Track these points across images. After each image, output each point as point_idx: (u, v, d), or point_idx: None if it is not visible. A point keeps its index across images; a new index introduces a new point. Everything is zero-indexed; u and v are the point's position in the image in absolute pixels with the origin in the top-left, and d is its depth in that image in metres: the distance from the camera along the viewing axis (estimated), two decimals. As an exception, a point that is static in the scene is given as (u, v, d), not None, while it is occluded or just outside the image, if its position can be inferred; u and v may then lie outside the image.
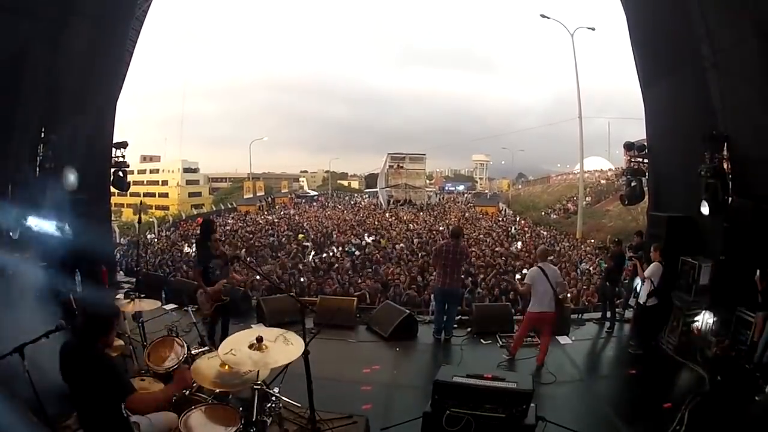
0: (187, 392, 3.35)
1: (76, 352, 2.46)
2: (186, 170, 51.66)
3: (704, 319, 5.73)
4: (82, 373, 2.42)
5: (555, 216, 32.02)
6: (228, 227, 22.11)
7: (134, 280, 8.47)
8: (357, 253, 15.73)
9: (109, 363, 2.51)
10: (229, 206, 34.63)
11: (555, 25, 28.52)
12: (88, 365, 2.42)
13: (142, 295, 4.40)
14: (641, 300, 5.93)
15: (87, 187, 6.65)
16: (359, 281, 11.35)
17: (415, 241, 17.97)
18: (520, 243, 18.91)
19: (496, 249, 16.70)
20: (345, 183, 64.97)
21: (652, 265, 5.88)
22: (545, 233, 23.44)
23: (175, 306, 7.07)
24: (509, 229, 23.61)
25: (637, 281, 6.23)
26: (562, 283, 5.72)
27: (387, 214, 29.02)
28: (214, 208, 36.64)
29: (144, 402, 2.59)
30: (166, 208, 41.26)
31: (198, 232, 6.92)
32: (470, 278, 10.56)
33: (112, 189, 8.32)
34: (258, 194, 39.26)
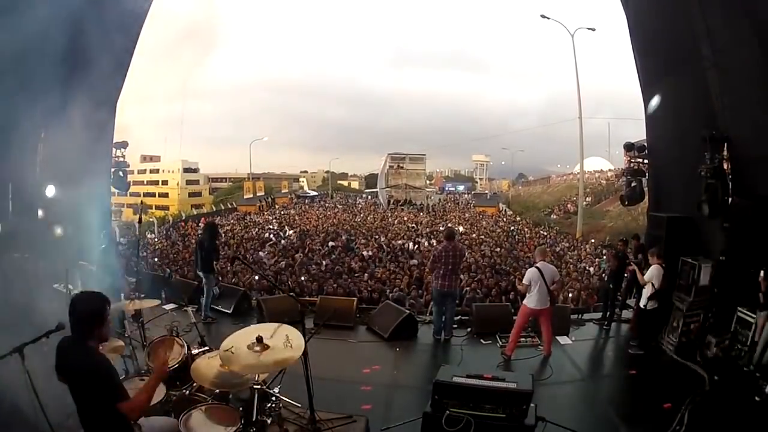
0: (187, 392, 3.35)
1: (70, 348, 2.42)
2: (186, 170, 51.54)
3: (704, 320, 5.73)
4: (75, 371, 2.38)
5: (555, 216, 32.03)
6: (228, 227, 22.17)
7: (134, 280, 8.46)
8: (363, 253, 15.74)
9: (99, 364, 2.41)
10: (229, 206, 34.63)
11: (553, 26, 28.58)
12: (80, 363, 2.37)
13: (142, 295, 4.39)
14: (641, 303, 5.93)
15: (87, 187, 6.65)
16: (360, 281, 11.35)
17: (423, 241, 17.96)
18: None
19: (496, 249, 16.71)
20: (345, 183, 64.93)
21: (651, 268, 5.86)
22: (545, 233, 23.45)
23: (175, 306, 7.08)
24: (509, 229, 23.63)
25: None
26: (559, 280, 6.01)
27: (388, 214, 29.05)
28: (214, 209, 36.61)
29: (138, 407, 2.47)
30: (166, 208, 41.21)
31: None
32: (466, 276, 10.58)
33: (112, 189, 8.32)
34: (258, 194, 39.28)
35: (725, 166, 5.50)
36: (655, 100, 5.40)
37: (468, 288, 9.99)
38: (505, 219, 29.75)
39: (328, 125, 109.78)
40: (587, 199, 30.76)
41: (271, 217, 27.09)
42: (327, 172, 60.88)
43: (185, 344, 3.77)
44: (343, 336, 6.42)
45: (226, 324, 6.80)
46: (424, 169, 43.05)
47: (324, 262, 13.93)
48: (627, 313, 7.17)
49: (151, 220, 25.67)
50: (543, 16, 26.32)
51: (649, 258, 6.02)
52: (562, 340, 6.28)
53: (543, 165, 59.26)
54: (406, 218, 26.86)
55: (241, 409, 3.02)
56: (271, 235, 19.60)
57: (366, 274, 12.36)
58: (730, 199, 5.45)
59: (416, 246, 16.92)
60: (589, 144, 44.09)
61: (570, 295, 10.31)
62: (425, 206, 35.32)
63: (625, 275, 7.17)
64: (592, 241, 21.33)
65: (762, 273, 4.93)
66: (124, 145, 7.94)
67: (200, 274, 7.15)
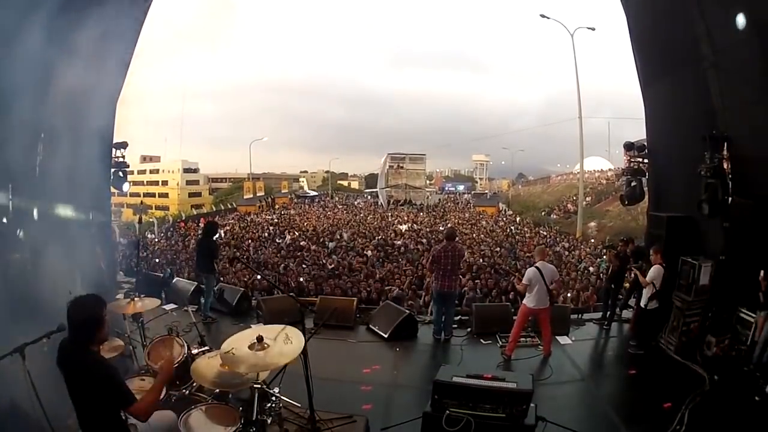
0: (187, 392, 3.36)
1: (73, 354, 2.40)
2: (186, 170, 51.53)
3: (704, 319, 5.73)
4: (78, 377, 2.36)
5: (555, 216, 32.02)
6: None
7: (134, 280, 8.47)
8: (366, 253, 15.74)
9: (107, 371, 2.39)
10: (229, 207, 34.67)
11: (552, 25, 28.63)
12: (85, 370, 2.35)
13: (142, 295, 4.39)
14: (642, 303, 5.92)
15: (86, 187, 6.63)
16: (359, 281, 11.34)
17: (423, 241, 17.95)
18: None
19: (496, 249, 16.71)
20: (345, 183, 64.97)
21: (653, 268, 5.86)
22: (545, 233, 23.45)
23: (175, 306, 7.08)
24: (509, 229, 23.63)
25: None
26: (558, 280, 6.05)
27: (388, 214, 29.07)
28: (214, 209, 36.64)
29: (147, 409, 2.45)
30: (166, 208, 41.22)
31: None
32: (468, 276, 10.56)
33: (112, 189, 8.30)
34: (258, 194, 39.31)
35: (725, 166, 5.49)
36: (741, 19, 4.95)
37: (468, 288, 9.98)
38: (505, 219, 29.75)
39: (328, 125, 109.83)
40: (587, 198, 30.74)
41: (270, 217, 27.09)
42: (327, 172, 60.94)
43: (185, 344, 3.78)
44: (343, 336, 6.42)
45: (226, 324, 6.81)
46: (424, 169, 43.13)
47: (323, 262, 13.94)
48: (627, 313, 7.17)
49: (151, 220, 25.68)
50: (543, 16, 26.35)
51: (652, 256, 6.01)
52: (562, 340, 6.27)
53: (543, 165, 59.28)
54: (406, 218, 26.86)
55: (241, 408, 3.02)
56: (271, 236, 19.61)
57: (365, 275, 12.35)
58: (730, 199, 5.45)
59: (417, 245, 16.90)
60: (589, 144, 44.12)
61: (569, 294, 10.30)
62: (425, 206, 35.34)
63: (626, 275, 7.16)
64: (592, 240, 21.34)
65: (762, 272, 4.93)
66: (124, 145, 7.90)
67: (200, 274, 7.15)
